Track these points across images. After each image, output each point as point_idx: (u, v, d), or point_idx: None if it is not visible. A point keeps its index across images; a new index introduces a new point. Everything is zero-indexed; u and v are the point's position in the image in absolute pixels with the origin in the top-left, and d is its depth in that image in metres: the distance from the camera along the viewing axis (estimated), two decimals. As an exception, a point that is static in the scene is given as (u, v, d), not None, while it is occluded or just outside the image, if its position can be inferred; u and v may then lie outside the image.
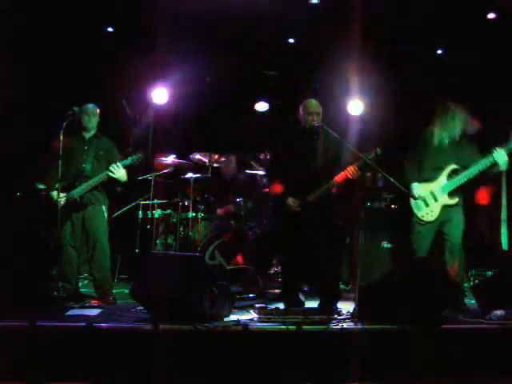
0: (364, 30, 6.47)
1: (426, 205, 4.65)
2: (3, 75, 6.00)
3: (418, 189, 4.68)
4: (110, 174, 4.81)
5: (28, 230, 5.23)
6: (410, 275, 4.14)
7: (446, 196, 4.65)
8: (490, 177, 4.66)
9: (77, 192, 4.81)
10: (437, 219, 4.66)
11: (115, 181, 4.88)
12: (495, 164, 4.50)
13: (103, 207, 4.97)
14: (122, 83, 6.77)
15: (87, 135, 4.97)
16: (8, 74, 6.05)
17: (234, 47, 6.83)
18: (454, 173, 4.65)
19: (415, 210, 4.70)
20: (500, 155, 4.45)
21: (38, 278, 4.49)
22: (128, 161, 4.89)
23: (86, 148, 4.93)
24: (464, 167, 4.61)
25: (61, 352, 3.62)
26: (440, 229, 4.69)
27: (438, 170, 4.68)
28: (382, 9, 6.26)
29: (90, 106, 4.97)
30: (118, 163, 4.83)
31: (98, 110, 5.00)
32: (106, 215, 4.99)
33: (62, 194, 4.72)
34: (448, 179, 4.66)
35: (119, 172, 4.83)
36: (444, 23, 6.38)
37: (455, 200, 4.66)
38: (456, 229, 4.66)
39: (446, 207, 4.66)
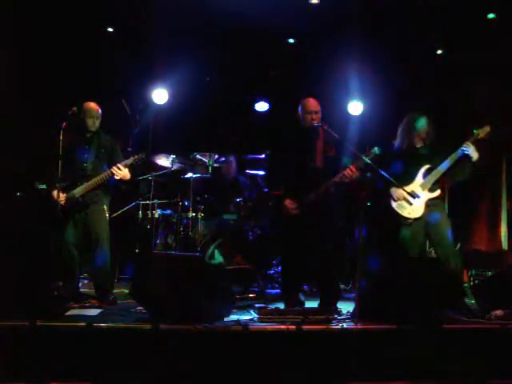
0: (364, 30, 6.50)
1: (409, 203, 4.68)
2: (3, 75, 6.00)
3: (397, 191, 4.71)
4: (113, 174, 4.80)
5: (28, 230, 5.23)
6: (410, 275, 4.14)
7: (426, 191, 4.72)
8: (466, 172, 4.74)
9: (78, 191, 4.81)
10: (423, 216, 4.68)
11: (119, 180, 4.87)
12: (466, 155, 4.64)
13: (105, 206, 4.96)
14: (122, 83, 6.78)
15: (88, 134, 4.96)
16: (8, 73, 6.06)
17: (234, 47, 6.83)
18: (428, 171, 4.75)
19: (399, 211, 4.72)
20: (467, 146, 4.65)
21: (38, 277, 4.49)
22: (130, 161, 4.88)
23: (87, 147, 4.93)
24: (437, 165, 4.73)
25: (61, 352, 3.62)
26: (428, 232, 4.72)
27: (414, 172, 4.76)
28: (381, 9, 6.27)
29: (95, 108, 4.93)
30: (120, 164, 4.82)
31: (100, 111, 4.98)
32: (107, 214, 4.98)
33: (62, 193, 4.72)
34: (424, 178, 4.74)
35: (122, 172, 4.82)
36: (444, 23, 6.38)
37: (437, 193, 4.73)
38: (444, 229, 4.69)
39: (429, 202, 4.70)
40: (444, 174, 4.72)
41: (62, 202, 4.72)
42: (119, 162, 4.87)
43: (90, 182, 4.82)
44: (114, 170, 4.80)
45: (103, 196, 4.96)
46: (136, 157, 4.90)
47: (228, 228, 6.08)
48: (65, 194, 4.77)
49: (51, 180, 4.83)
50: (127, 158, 4.94)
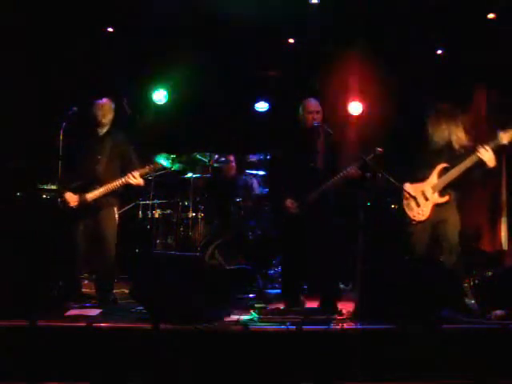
0: (364, 29, 6.50)
1: (417, 205, 4.65)
2: (4, 75, 6.01)
3: (409, 189, 4.68)
4: (129, 182, 4.72)
5: (28, 230, 5.23)
6: (410, 275, 4.14)
7: (436, 195, 4.63)
8: (478, 175, 4.64)
9: (91, 196, 4.71)
10: (428, 219, 4.64)
11: (131, 186, 4.82)
12: (481, 161, 4.48)
13: (115, 209, 4.90)
14: (122, 83, 6.78)
15: (101, 132, 4.86)
16: (8, 73, 6.07)
17: (234, 47, 6.83)
18: (444, 171, 4.64)
19: (407, 211, 4.69)
20: (485, 152, 4.45)
21: (38, 277, 4.49)
22: (145, 170, 4.77)
23: (98, 147, 4.82)
24: (454, 165, 4.61)
25: (61, 352, 3.62)
26: (436, 230, 4.67)
27: (430, 169, 4.67)
28: (381, 8, 6.27)
29: (105, 101, 4.84)
30: (136, 173, 4.71)
31: (112, 105, 4.87)
32: (116, 216, 4.91)
33: (74, 196, 4.68)
34: (438, 178, 4.65)
35: (137, 181, 4.74)
36: (444, 23, 6.38)
37: (445, 198, 4.63)
38: (452, 229, 4.64)
39: (437, 206, 4.64)
40: (457, 177, 4.59)
41: (74, 205, 4.69)
42: (131, 165, 4.80)
43: (103, 189, 4.71)
44: (130, 178, 4.72)
45: (114, 199, 4.88)
46: (151, 166, 4.80)
47: (228, 228, 6.08)
48: (77, 196, 4.71)
49: (64, 181, 4.78)
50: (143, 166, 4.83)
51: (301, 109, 4.71)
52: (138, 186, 4.83)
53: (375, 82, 6.84)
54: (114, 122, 4.91)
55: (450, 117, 4.64)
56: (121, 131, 4.99)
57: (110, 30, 6.78)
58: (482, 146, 4.47)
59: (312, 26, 6.57)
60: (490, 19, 6.34)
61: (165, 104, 7.07)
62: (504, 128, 4.48)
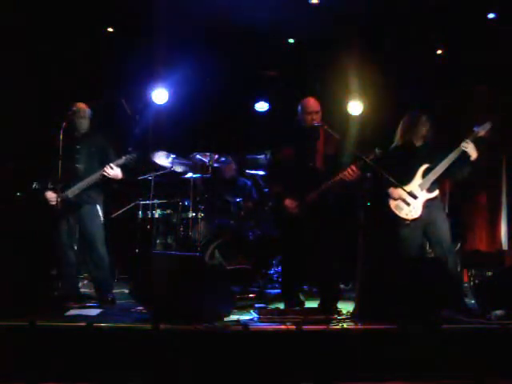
0: (364, 29, 6.50)
1: (407, 204, 4.66)
2: (4, 75, 6.01)
3: (395, 191, 4.70)
4: (105, 174, 4.78)
5: (28, 230, 5.23)
6: (410, 275, 4.14)
7: (424, 191, 4.68)
8: (464, 171, 4.73)
9: (71, 192, 4.78)
10: (421, 217, 4.65)
11: (110, 180, 4.85)
12: (464, 154, 4.60)
13: (97, 206, 4.92)
14: (122, 83, 6.78)
15: (79, 134, 4.93)
16: (8, 73, 6.06)
17: (234, 47, 6.83)
18: (427, 171, 4.71)
19: (397, 212, 4.70)
20: (467, 144, 4.61)
21: (38, 277, 4.49)
22: (121, 160, 4.85)
23: (78, 147, 4.89)
24: (436, 165, 4.70)
25: (61, 352, 3.62)
26: (426, 232, 4.71)
27: (412, 172, 4.73)
28: (381, 8, 6.27)
29: (83, 108, 4.92)
30: (112, 164, 4.80)
31: (88, 112, 4.95)
32: (100, 214, 4.94)
33: (55, 194, 4.71)
34: (423, 178, 4.71)
35: (113, 172, 4.80)
36: (444, 23, 6.38)
37: (435, 193, 4.70)
38: (442, 229, 4.68)
39: (427, 203, 4.67)
40: (443, 174, 4.68)
41: (55, 203, 4.71)
42: (111, 162, 4.84)
43: (82, 183, 4.79)
44: (107, 169, 4.77)
45: (96, 196, 4.93)
46: (128, 156, 4.88)
47: (228, 228, 6.08)
48: (58, 195, 4.74)
49: (46, 181, 4.83)
50: (120, 157, 4.91)
51: (300, 109, 4.69)
52: (116, 178, 4.85)
53: (375, 81, 6.84)
54: (91, 123, 4.97)
55: (424, 120, 4.78)
56: (99, 130, 5.04)
57: (110, 29, 6.78)
58: (464, 140, 4.63)
59: (312, 26, 6.56)
60: (490, 19, 6.34)
61: (165, 104, 7.05)
62: (480, 123, 4.70)
